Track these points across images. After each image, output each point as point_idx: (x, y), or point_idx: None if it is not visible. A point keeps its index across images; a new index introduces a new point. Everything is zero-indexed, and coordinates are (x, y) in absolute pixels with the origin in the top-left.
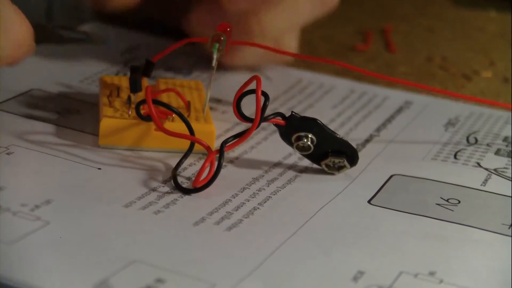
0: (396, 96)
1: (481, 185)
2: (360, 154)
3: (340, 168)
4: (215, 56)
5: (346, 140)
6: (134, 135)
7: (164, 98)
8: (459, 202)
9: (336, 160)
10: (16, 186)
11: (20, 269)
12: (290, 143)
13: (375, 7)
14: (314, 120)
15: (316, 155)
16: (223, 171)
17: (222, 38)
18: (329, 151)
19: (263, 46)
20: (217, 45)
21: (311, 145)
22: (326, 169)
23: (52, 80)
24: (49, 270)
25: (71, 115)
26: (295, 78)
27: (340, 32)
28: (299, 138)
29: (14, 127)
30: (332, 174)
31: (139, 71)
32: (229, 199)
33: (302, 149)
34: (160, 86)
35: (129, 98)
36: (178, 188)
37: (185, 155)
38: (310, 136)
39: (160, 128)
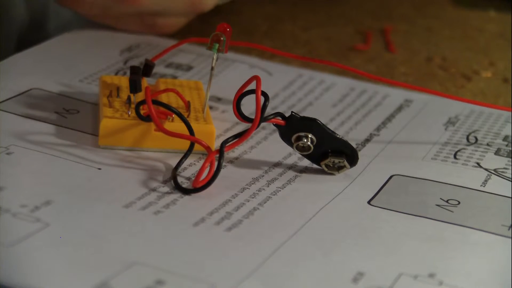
0: (396, 94)
1: (481, 185)
2: (360, 153)
3: (340, 168)
4: (214, 57)
5: (346, 140)
6: (134, 135)
7: (163, 98)
8: (459, 203)
9: (336, 160)
10: (16, 187)
11: (20, 271)
12: (290, 143)
13: (375, 7)
14: (314, 120)
15: (316, 155)
16: (223, 171)
17: (222, 39)
18: (329, 151)
19: (265, 47)
20: (216, 45)
21: (311, 145)
22: (326, 169)
23: (52, 79)
24: (49, 272)
25: (71, 115)
26: (296, 73)
27: (340, 32)
28: (299, 138)
29: (14, 127)
30: (332, 174)
31: (139, 72)
32: (229, 199)
33: (302, 149)
34: (160, 86)
35: (129, 98)
36: (178, 188)
37: (185, 155)
38: (310, 136)
39: (160, 129)
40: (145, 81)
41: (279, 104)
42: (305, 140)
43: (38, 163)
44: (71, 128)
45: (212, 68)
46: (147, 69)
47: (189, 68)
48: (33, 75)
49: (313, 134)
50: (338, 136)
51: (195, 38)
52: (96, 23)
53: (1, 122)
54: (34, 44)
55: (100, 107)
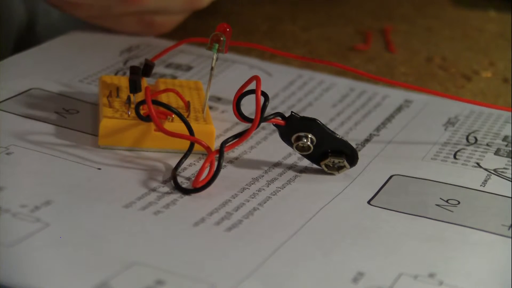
0: (396, 95)
1: (480, 185)
2: (359, 153)
3: (339, 168)
4: (214, 57)
5: (345, 140)
6: (133, 135)
7: (163, 98)
8: (459, 203)
9: (336, 160)
10: (16, 187)
11: (20, 271)
12: (290, 143)
13: (375, 7)
14: (313, 120)
15: (316, 155)
16: (223, 171)
17: (221, 39)
18: (329, 151)
19: (265, 47)
20: (216, 45)
21: (311, 145)
22: (325, 169)
23: (51, 79)
24: (49, 272)
25: (71, 115)
26: (296, 74)
27: (340, 32)
28: (298, 138)
29: (14, 127)
30: (332, 174)
31: (138, 72)
32: (229, 200)
33: (302, 149)
34: (160, 86)
35: (128, 98)
36: (178, 188)
37: (185, 155)
38: (310, 136)
39: (160, 129)
40: (145, 81)
41: (279, 104)
42: (305, 140)
43: (38, 163)
44: (71, 128)
45: (212, 68)
46: (147, 69)
47: (188, 68)
48: (33, 75)
49: (313, 134)
50: (338, 136)
51: (194, 38)
52: (92, 24)
53: (1, 122)
54: (31, 45)
55: (100, 107)
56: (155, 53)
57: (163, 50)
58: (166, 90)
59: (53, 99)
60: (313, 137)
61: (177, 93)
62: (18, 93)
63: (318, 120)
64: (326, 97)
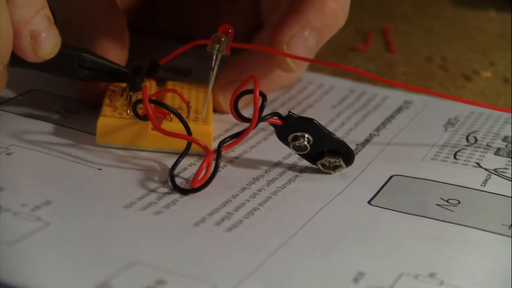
0: (395, 96)
1: (481, 185)
2: (360, 154)
3: (335, 167)
4: (215, 57)
5: (342, 140)
6: (131, 134)
7: (169, 98)
8: (459, 202)
9: (332, 160)
10: (16, 186)
11: (21, 270)
12: (287, 143)
13: (375, 7)
14: (310, 120)
15: (313, 155)
16: (223, 171)
17: (222, 39)
18: (325, 151)
19: (266, 48)
20: (217, 46)
21: (308, 145)
22: (322, 168)
23: (52, 80)
24: (50, 271)
25: (71, 115)
26: None
27: (340, 32)
28: (295, 138)
29: (14, 127)
30: (328, 173)
31: (140, 71)
32: (229, 199)
33: (298, 149)
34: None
35: (130, 97)
36: (176, 188)
37: (182, 155)
38: (306, 136)
39: (157, 127)
40: (154, 83)
41: (279, 107)
42: (302, 140)
43: (38, 163)
44: (71, 128)
45: (212, 69)
46: (152, 69)
47: (188, 72)
48: (34, 75)
49: (309, 134)
50: (334, 136)
51: (202, 40)
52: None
53: (2, 122)
54: None
55: (102, 106)
56: (157, 51)
57: (171, 53)
58: (166, 91)
59: (53, 99)
60: (310, 137)
61: (178, 93)
62: (19, 93)
63: (315, 120)
64: (325, 99)
